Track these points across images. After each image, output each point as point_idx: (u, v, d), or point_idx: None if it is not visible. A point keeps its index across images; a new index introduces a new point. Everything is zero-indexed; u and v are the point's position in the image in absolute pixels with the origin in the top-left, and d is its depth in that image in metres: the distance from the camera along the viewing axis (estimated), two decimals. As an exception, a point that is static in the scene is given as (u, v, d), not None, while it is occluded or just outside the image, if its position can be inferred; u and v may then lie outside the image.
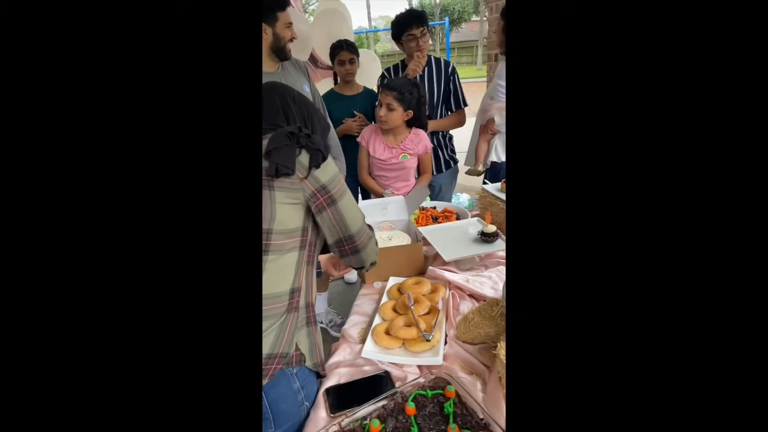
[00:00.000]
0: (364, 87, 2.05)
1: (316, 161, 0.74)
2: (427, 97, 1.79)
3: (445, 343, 0.90)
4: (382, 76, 1.99)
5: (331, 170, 0.77)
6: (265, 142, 0.73)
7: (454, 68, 1.94)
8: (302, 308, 0.79)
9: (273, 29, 1.36)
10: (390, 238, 1.27)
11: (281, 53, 1.42)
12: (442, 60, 1.93)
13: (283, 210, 0.74)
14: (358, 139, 1.73)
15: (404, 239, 1.28)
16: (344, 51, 1.92)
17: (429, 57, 1.87)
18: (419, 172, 1.76)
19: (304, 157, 0.73)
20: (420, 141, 1.66)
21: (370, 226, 0.88)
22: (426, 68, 1.86)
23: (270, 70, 1.44)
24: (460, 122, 1.97)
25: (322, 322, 1.90)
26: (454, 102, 1.94)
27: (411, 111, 1.59)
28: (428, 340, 0.87)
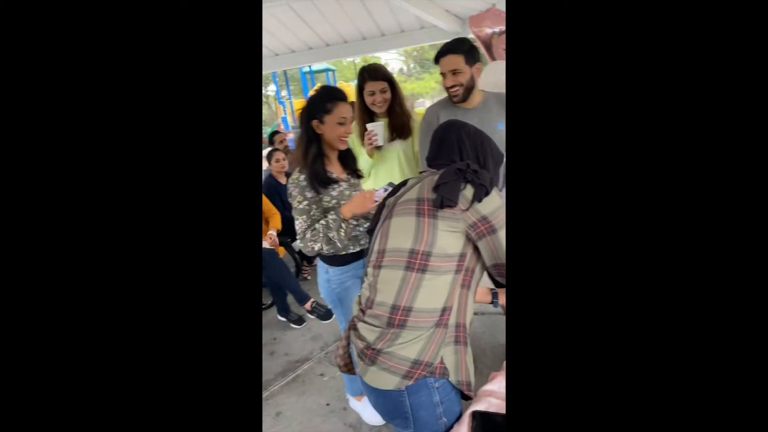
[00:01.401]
0: None
1: (479, 195, 0.82)
2: None
3: None
4: None
5: (494, 203, 0.83)
6: (436, 177, 0.86)
7: None
8: (452, 326, 0.86)
9: (471, 72, 1.46)
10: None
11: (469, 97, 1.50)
12: None
13: (444, 237, 0.83)
14: None
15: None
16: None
17: None
18: None
19: (468, 191, 0.83)
20: None
21: None
22: None
23: (470, 106, 1.53)
24: None
25: None
26: None
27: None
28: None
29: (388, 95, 1.63)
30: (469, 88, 1.46)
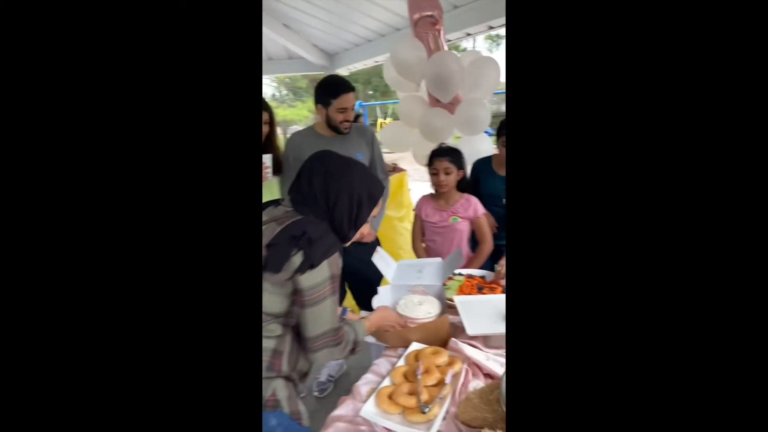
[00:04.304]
0: None
1: (303, 268, 0.82)
2: None
3: (444, 419, 0.88)
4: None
5: (316, 277, 0.83)
6: (281, 212, 0.88)
7: None
8: (284, 370, 0.89)
9: (327, 111, 1.65)
10: (420, 303, 1.31)
11: (336, 130, 1.68)
12: None
13: (267, 295, 0.85)
14: (413, 209, 1.85)
15: (435, 306, 1.30)
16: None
17: None
18: (476, 241, 1.78)
19: (296, 260, 0.82)
20: (470, 206, 1.72)
21: (341, 330, 0.92)
22: None
23: (327, 135, 1.71)
24: None
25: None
26: None
27: (462, 170, 1.71)
28: (424, 413, 0.87)
29: (267, 128, 1.64)
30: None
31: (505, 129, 1.77)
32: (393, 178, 2.74)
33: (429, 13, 2.39)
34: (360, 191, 0.92)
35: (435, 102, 2.39)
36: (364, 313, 1.41)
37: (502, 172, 1.83)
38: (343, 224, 0.91)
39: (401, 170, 2.96)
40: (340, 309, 1.17)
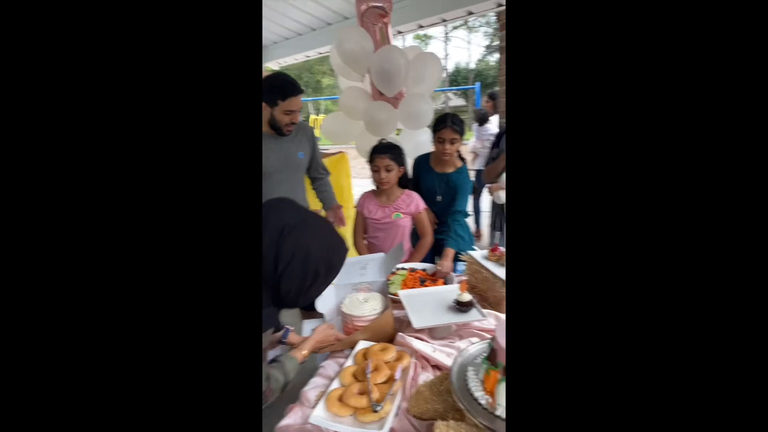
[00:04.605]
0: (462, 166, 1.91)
1: None
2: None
3: (396, 415, 0.88)
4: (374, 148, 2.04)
5: None
6: None
7: None
8: None
9: (272, 111, 1.58)
10: (366, 300, 1.29)
11: (278, 131, 1.63)
12: None
13: None
14: (355, 205, 1.82)
15: (379, 302, 1.29)
16: (447, 129, 1.74)
17: None
18: (418, 235, 1.81)
19: None
20: (412, 201, 1.74)
21: (267, 389, 0.84)
22: None
23: (268, 133, 1.64)
24: None
25: None
26: None
27: (403, 166, 1.72)
28: (376, 411, 0.85)
29: None
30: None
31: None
32: (331, 160, 2.69)
33: (378, 4, 2.38)
34: (318, 256, 0.75)
35: (378, 95, 2.39)
36: (306, 324, 1.35)
37: (439, 169, 1.88)
38: (290, 295, 0.76)
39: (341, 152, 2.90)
40: (280, 333, 1.11)
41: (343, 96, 2.60)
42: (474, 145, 4.13)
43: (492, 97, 4.21)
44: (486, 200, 2.34)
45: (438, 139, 1.79)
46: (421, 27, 3.63)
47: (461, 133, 1.79)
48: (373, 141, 1.86)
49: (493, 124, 4.03)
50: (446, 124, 1.75)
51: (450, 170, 1.86)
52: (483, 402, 0.73)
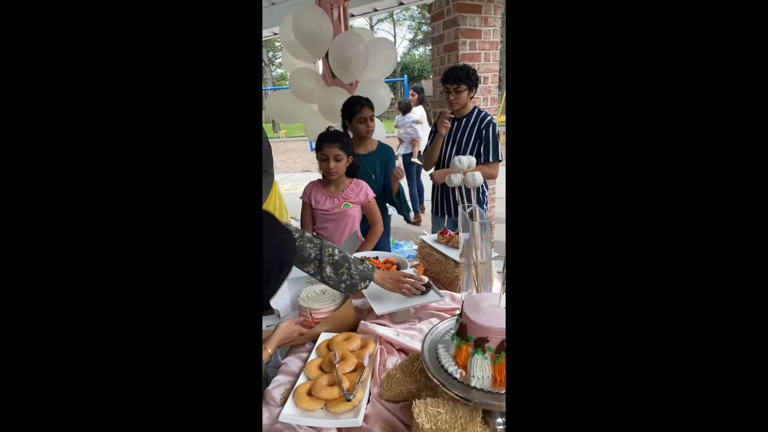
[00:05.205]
0: (379, 142, 2.05)
1: None
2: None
3: (368, 401, 0.88)
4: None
5: None
6: None
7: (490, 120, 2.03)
8: None
9: None
10: (323, 291, 1.26)
11: None
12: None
13: None
14: (300, 197, 1.75)
15: (337, 293, 1.27)
16: (366, 108, 1.92)
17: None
18: (369, 224, 1.80)
19: None
20: (361, 190, 1.73)
21: None
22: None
23: None
24: (490, 175, 2.02)
25: None
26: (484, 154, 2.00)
27: (351, 155, 1.70)
28: (349, 400, 0.84)
29: None
30: None
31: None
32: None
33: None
34: (268, 256, 0.67)
35: (332, 79, 2.32)
36: (266, 321, 1.28)
37: (363, 151, 1.99)
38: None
39: None
40: None
41: (292, 76, 2.48)
42: (399, 132, 4.80)
43: (417, 90, 4.99)
44: (428, 187, 2.40)
45: (359, 120, 1.92)
46: (375, 11, 3.64)
47: (373, 109, 1.98)
48: (323, 123, 1.81)
49: (416, 114, 4.74)
50: (363, 104, 1.91)
51: (373, 149, 2.00)
52: (457, 376, 0.75)
